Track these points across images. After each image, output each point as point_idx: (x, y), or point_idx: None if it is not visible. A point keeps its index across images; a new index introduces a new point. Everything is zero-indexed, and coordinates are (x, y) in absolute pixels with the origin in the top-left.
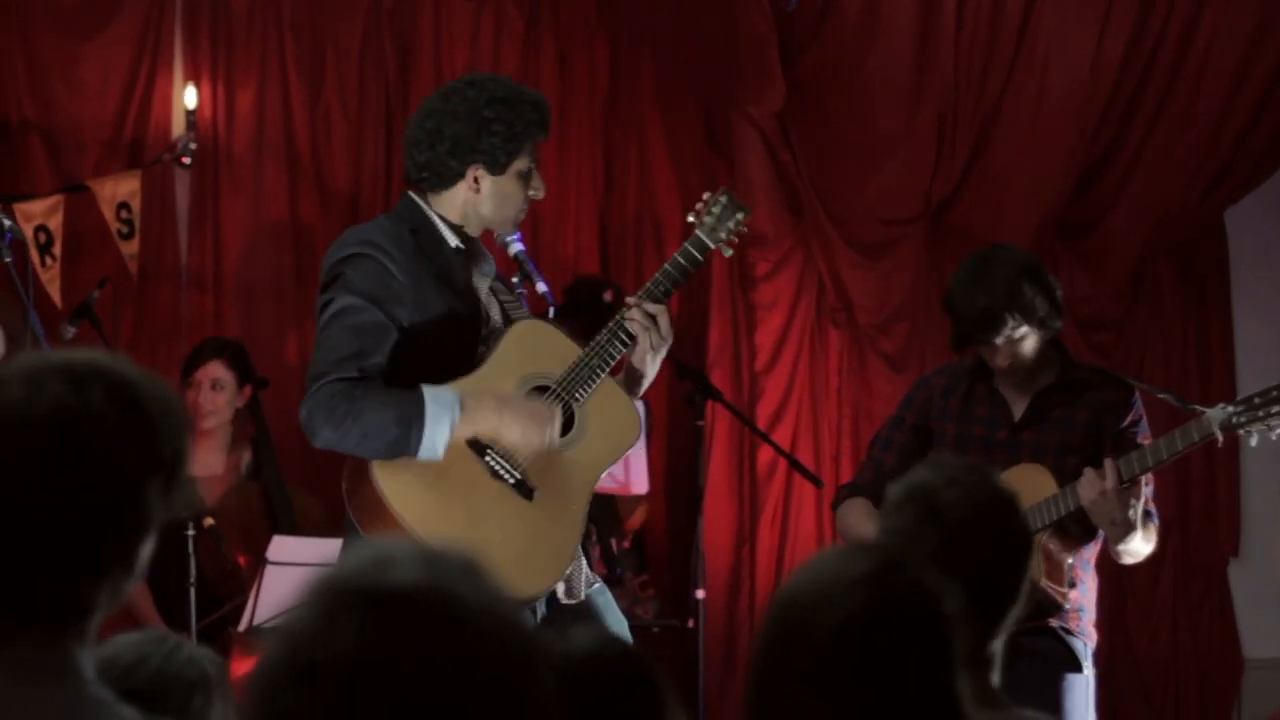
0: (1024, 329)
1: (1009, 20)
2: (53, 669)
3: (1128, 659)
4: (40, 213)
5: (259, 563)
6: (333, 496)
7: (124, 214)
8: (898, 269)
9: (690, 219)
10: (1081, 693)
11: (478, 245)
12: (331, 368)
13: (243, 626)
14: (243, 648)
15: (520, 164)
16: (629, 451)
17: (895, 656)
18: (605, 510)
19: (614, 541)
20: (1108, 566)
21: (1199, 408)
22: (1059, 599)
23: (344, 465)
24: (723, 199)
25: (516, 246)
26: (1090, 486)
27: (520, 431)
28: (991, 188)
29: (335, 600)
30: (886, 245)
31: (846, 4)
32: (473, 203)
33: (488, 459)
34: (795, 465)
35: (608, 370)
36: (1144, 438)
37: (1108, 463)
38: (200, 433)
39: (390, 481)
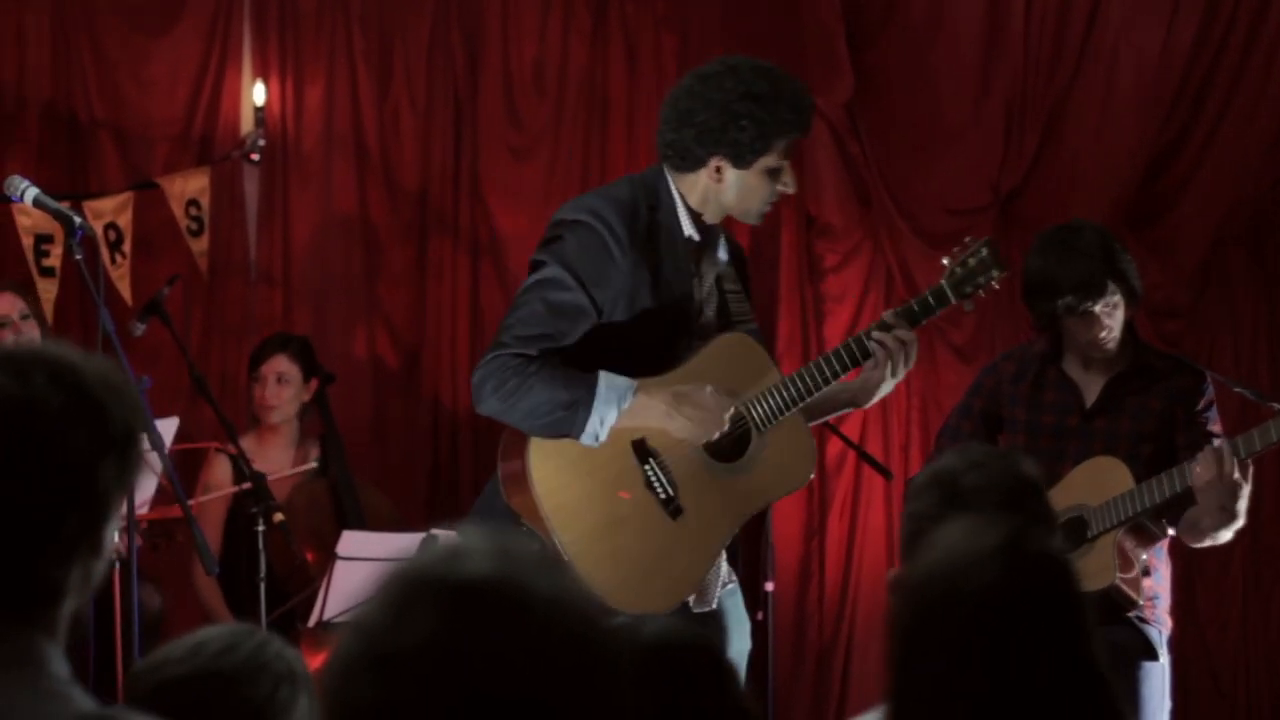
0: (1118, 297)
1: (1078, 9)
2: (15, 657)
3: (1198, 649)
4: (110, 210)
5: (327, 558)
6: (400, 492)
7: (193, 211)
8: None
9: (945, 261)
10: (1158, 680)
11: (715, 234)
12: (514, 341)
13: (311, 622)
14: (311, 643)
15: (767, 160)
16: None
17: (1036, 622)
18: None
19: None
20: (1177, 553)
21: (1276, 405)
22: (1133, 596)
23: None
24: (984, 252)
25: None
26: (1209, 467)
27: (689, 426)
28: (1060, 178)
29: (408, 592)
30: (955, 236)
31: None
32: (714, 191)
33: (647, 468)
34: (864, 457)
35: (809, 397)
36: (1214, 425)
37: (1224, 444)
38: (267, 428)
39: (541, 463)
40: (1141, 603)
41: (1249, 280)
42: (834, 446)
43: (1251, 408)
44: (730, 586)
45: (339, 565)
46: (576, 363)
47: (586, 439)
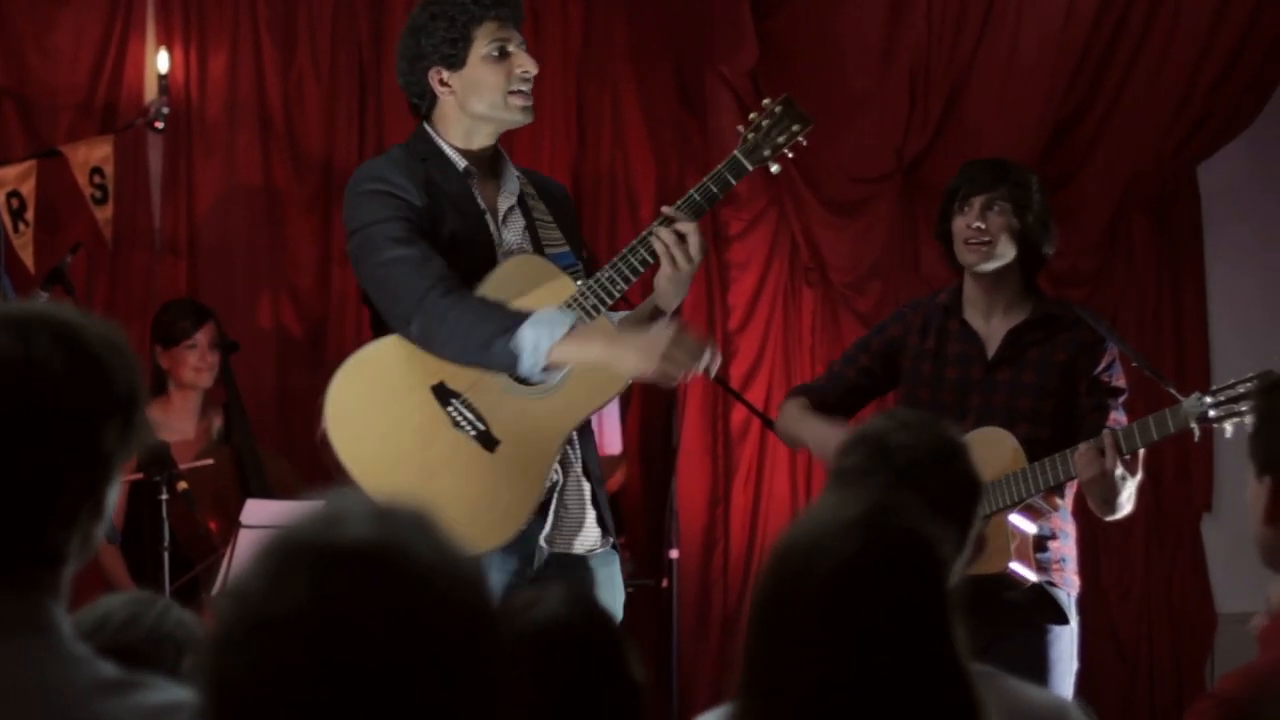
0: (1006, 203)
1: None
2: (29, 622)
3: (1101, 614)
4: (13, 178)
5: (231, 526)
6: (305, 459)
7: (97, 179)
8: (871, 227)
9: (739, 128)
10: (1067, 644)
11: (501, 164)
12: (425, 291)
13: (215, 590)
14: (215, 612)
15: (479, 49)
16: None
17: (891, 598)
18: None
19: None
20: (1081, 518)
21: (1174, 390)
22: (1029, 575)
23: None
24: (778, 109)
25: None
26: (1089, 465)
27: (637, 355)
28: (965, 144)
29: (286, 558)
30: (859, 203)
31: None
32: (456, 107)
33: (450, 409)
34: (769, 424)
35: (608, 304)
36: (1119, 379)
37: (1106, 437)
38: (176, 394)
39: (341, 431)
40: (1034, 579)
41: (1152, 249)
42: (739, 414)
43: (1152, 383)
44: (601, 552)
45: (243, 533)
46: None
47: (524, 367)
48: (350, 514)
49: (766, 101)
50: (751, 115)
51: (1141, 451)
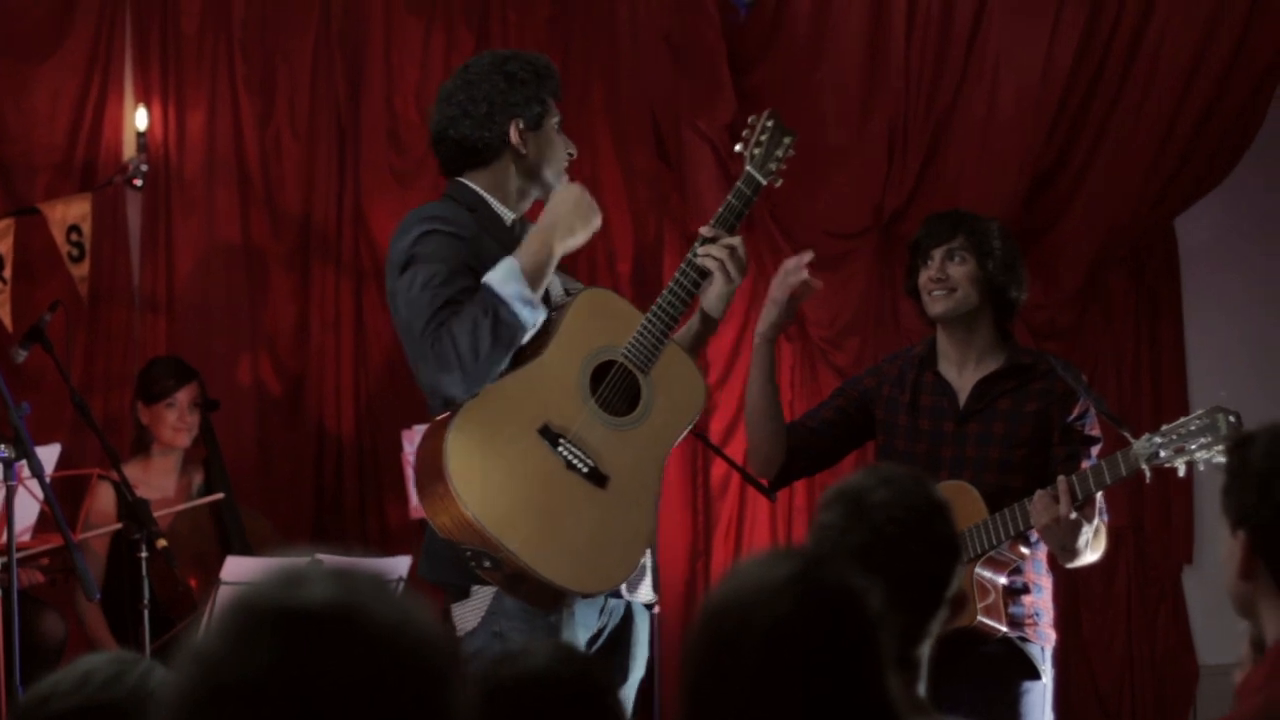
0: (966, 253)
1: (959, 30)
2: None
3: (1082, 666)
4: None
5: (211, 584)
6: (285, 517)
7: (74, 237)
8: (849, 282)
9: (738, 148)
10: (1038, 699)
11: (527, 224)
12: (435, 316)
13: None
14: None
15: (552, 118)
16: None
17: (826, 656)
18: None
19: None
20: (1062, 571)
21: (1128, 434)
22: (998, 626)
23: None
24: (770, 124)
25: None
26: (1043, 512)
27: (575, 223)
28: (943, 198)
29: (246, 621)
30: (838, 258)
31: (796, 16)
32: (519, 166)
33: (561, 450)
34: (749, 479)
35: (674, 328)
36: (1092, 428)
37: (1061, 484)
38: (157, 454)
39: (466, 486)
40: (1005, 631)
41: (1130, 302)
42: (719, 468)
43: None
44: (651, 603)
45: (223, 590)
46: None
47: (529, 324)
48: (311, 576)
49: (753, 119)
50: (745, 133)
51: (1099, 496)
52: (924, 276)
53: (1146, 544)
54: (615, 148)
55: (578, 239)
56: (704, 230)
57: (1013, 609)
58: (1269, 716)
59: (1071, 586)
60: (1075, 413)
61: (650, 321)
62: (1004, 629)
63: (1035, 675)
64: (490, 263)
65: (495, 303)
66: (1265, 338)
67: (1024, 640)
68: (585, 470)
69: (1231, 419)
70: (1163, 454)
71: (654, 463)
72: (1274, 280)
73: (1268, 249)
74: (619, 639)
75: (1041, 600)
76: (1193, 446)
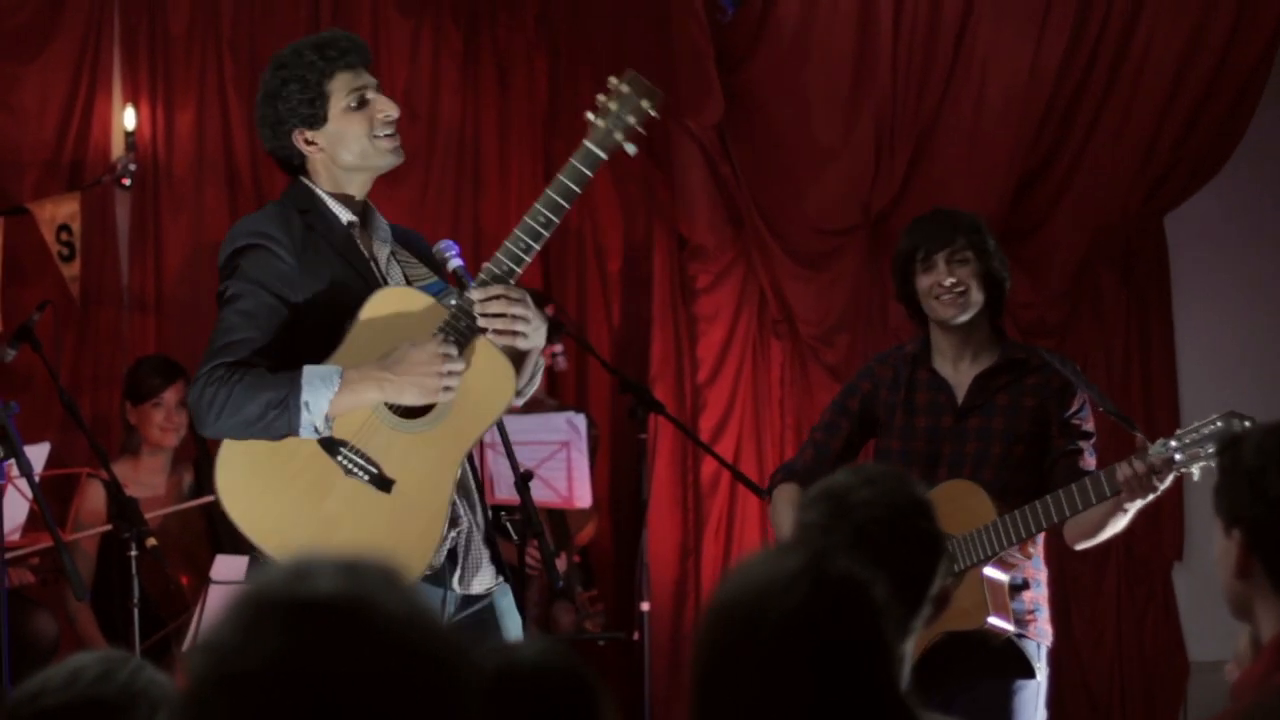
0: (969, 253)
1: (946, 29)
2: None
3: (1073, 663)
4: None
5: (201, 582)
6: None
7: (64, 236)
8: (838, 280)
9: (589, 116)
10: (1031, 696)
11: (373, 214)
12: (216, 354)
13: (186, 646)
14: (186, 666)
15: (339, 101)
16: (560, 454)
17: (837, 646)
18: (555, 525)
19: (564, 556)
20: (1052, 567)
21: (1140, 434)
22: (1006, 627)
23: None
24: (624, 88)
25: (455, 262)
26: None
27: (413, 389)
28: (931, 196)
29: (256, 612)
30: (827, 256)
31: (783, 16)
32: (327, 161)
33: (340, 458)
34: (739, 477)
35: (478, 332)
36: (1088, 422)
37: (1151, 455)
38: (146, 453)
39: (234, 499)
40: (1012, 631)
41: (1120, 299)
42: (709, 466)
43: (1118, 427)
44: (499, 586)
45: (213, 589)
46: (288, 363)
47: (306, 431)
48: (319, 568)
49: (612, 80)
50: (599, 97)
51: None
52: (927, 282)
53: (1136, 541)
54: None
55: (407, 400)
56: (484, 269)
57: (1013, 605)
58: (1264, 711)
59: (1062, 583)
60: (1073, 407)
61: (455, 316)
62: (1012, 629)
63: (1030, 673)
64: (319, 272)
65: (292, 394)
66: (1256, 334)
67: (1021, 637)
68: (366, 477)
69: (1246, 424)
70: (1178, 458)
71: (451, 463)
72: (1264, 277)
73: (1258, 246)
74: (480, 624)
75: (1040, 595)
76: (1208, 451)
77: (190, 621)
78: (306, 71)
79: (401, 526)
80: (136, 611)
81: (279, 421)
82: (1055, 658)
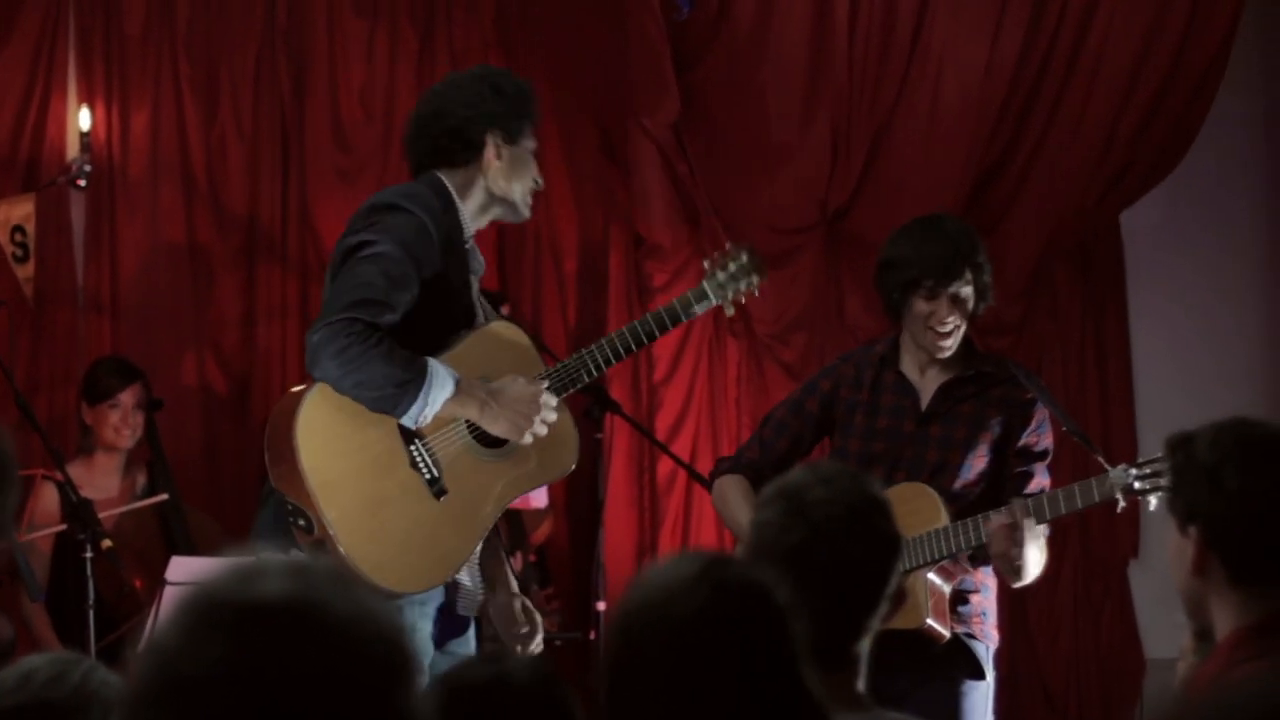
0: (970, 289)
1: (902, 27)
2: None
3: (1029, 660)
4: None
5: (156, 584)
6: (232, 517)
7: (18, 237)
8: (795, 278)
9: (705, 263)
10: (981, 698)
11: (477, 253)
12: (356, 307)
13: (141, 648)
14: (132, 669)
15: (527, 142)
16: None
17: (737, 649)
18: (511, 524)
19: (520, 555)
20: None
21: (1102, 459)
22: (943, 631)
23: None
24: (744, 258)
25: None
26: (999, 539)
27: (506, 423)
28: (888, 194)
29: (202, 615)
30: (783, 255)
31: (739, 14)
32: (494, 176)
33: (413, 448)
34: (695, 476)
35: (571, 389)
36: (1046, 438)
37: (1017, 506)
38: (101, 454)
39: (308, 440)
40: (949, 635)
41: (1076, 296)
42: (665, 465)
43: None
44: (470, 630)
45: (168, 590)
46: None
47: (407, 420)
48: (265, 570)
49: (730, 245)
50: (718, 254)
51: (1048, 482)
52: (925, 309)
53: (1092, 539)
54: (561, 146)
55: (496, 430)
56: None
57: (960, 608)
58: (1219, 704)
59: None
60: (1033, 424)
61: (556, 374)
62: (948, 633)
63: (980, 674)
64: (446, 268)
65: (416, 381)
66: (1214, 328)
67: (970, 638)
68: (428, 476)
69: None
70: (1137, 485)
71: (498, 501)
72: (1222, 271)
73: (1217, 239)
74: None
75: (987, 601)
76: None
77: (144, 623)
78: (522, 100)
79: (437, 534)
80: (91, 613)
81: (394, 399)
82: (1008, 654)
